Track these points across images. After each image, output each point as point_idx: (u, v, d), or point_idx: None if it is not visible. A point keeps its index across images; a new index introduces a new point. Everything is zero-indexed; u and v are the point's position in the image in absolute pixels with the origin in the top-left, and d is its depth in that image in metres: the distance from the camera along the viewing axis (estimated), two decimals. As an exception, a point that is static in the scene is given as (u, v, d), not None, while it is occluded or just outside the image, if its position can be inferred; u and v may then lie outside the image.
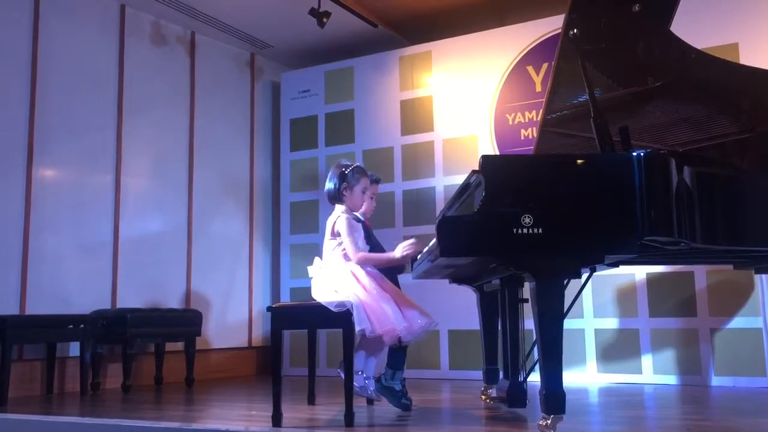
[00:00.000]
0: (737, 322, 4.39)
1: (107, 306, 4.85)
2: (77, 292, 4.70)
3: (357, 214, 3.43)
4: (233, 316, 5.83)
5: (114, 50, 5.15)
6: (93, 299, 4.76)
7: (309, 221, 5.95)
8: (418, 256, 4.05)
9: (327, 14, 5.19)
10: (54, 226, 4.64)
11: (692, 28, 3.67)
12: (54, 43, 4.76)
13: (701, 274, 4.51)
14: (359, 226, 3.30)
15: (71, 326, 4.41)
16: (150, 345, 4.99)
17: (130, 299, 4.96)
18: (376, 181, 3.81)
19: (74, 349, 4.54)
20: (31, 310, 4.41)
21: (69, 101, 4.81)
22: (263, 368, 5.90)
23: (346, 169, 3.33)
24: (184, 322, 5.01)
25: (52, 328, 4.33)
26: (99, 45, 5.06)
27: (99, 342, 4.54)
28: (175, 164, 5.51)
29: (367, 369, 3.41)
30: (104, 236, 4.94)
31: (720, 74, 3.29)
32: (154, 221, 5.30)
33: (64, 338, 4.46)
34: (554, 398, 2.58)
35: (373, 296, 3.12)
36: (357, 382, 3.26)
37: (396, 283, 3.62)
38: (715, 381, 4.39)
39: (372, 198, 3.66)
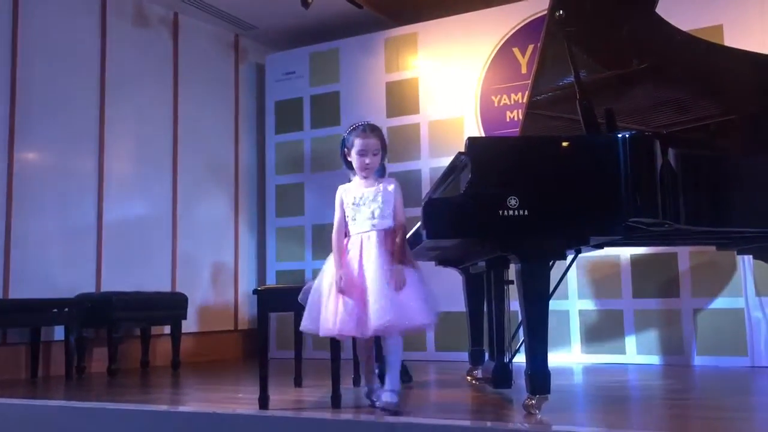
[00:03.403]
0: (719, 303, 4.44)
1: (92, 289, 4.82)
2: (61, 275, 4.67)
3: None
4: (219, 299, 5.82)
5: (96, 32, 5.08)
6: (77, 283, 4.73)
7: (295, 204, 5.93)
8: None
9: (312, -5, 5.14)
10: (37, 209, 4.60)
11: (677, 10, 3.68)
12: (35, 24, 4.69)
13: (684, 255, 4.55)
14: (346, 199, 2.96)
15: (56, 310, 4.38)
16: (135, 328, 4.97)
17: (115, 283, 4.93)
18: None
19: (59, 332, 4.52)
20: (14, 294, 4.38)
21: (51, 84, 4.75)
22: (249, 351, 5.90)
23: (345, 133, 3.02)
24: (170, 306, 5.00)
25: (37, 312, 4.30)
26: (80, 26, 4.99)
27: (84, 326, 4.51)
28: (158, 147, 5.46)
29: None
30: (88, 219, 4.90)
31: (705, 56, 3.30)
32: (139, 204, 5.26)
33: (49, 322, 4.43)
34: (539, 379, 2.60)
35: (329, 283, 2.85)
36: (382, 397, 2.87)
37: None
38: (698, 361, 4.44)
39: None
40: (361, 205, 2.90)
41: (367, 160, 2.92)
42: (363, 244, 2.85)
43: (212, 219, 5.84)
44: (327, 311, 2.79)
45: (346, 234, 2.94)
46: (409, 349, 5.17)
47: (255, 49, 6.39)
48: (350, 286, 2.79)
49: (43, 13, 4.75)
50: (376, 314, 2.69)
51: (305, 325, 2.87)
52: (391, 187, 2.93)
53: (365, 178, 2.95)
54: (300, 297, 2.94)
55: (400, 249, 2.84)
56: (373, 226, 2.86)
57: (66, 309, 4.41)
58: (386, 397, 2.79)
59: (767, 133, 3.43)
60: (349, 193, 2.95)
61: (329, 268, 2.88)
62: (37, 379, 4.35)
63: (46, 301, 4.37)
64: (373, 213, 2.87)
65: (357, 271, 2.81)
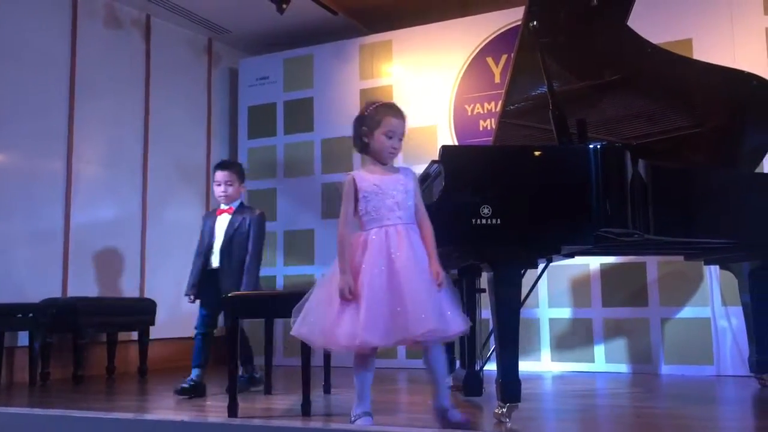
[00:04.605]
0: (687, 312, 4.50)
1: (58, 295, 4.73)
2: (27, 280, 4.57)
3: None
4: (188, 305, 5.70)
5: (66, 33, 5.00)
6: (43, 288, 4.64)
7: (267, 210, 5.84)
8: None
9: (286, 0, 5.13)
10: (3, 212, 4.50)
11: (647, 24, 3.73)
12: (3, 23, 4.60)
13: (653, 264, 4.61)
14: (364, 186, 2.56)
15: (20, 315, 4.29)
16: (102, 334, 4.89)
17: (81, 288, 4.84)
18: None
19: (23, 338, 4.42)
20: (-23, 298, 4.29)
21: (19, 85, 4.66)
22: (219, 358, 5.82)
23: (365, 110, 2.59)
24: (138, 311, 4.93)
25: (0, 317, 4.20)
26: (50, 27, 4.91)
27: (49, 331, 4.43)
28: (129, 150, 5.39)
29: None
30: (55, 223, 4.81)
31: (675, 69, 3.36)
32: (107, 208, 5.18)
33: (13, 327, 4.34)
34: (510, 387, 2.61)
35: (333, 285, 2.48)
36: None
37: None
38: (665, 369, 4.49)
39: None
40: (382, 194, 2.50)
41: (396, 144, 2.55)
42: (390, 239, 2.45)
43: (183, 224, 5.76)
44: (341, 321, 2.41)
45: (361, 229, 2.54)
46: (380, 356, 5.15)
47: (228, 53, 6.35)
48: (375, 288, 2.39)
49: (12, 12, 4.67)
50: (419, 321, 2.33)
51: (301, 333, 2.52)
52: (411, 177, 2.58)
53: (384, 164, 2.58)
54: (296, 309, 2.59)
55: (434, 247, 2.50)
56: (399, 218, 2.49)
57: (31, 314, 4.32)
58: (455, 416, 2.49)
59: (734, 146, 3.50)
60: (366, 181, 2.53)
61: (337, 272, 2.49)
62: (-1, 386, 4.26)
63: (10, 306, 4.28)
64: (398, 204, 2.50)
65: (385, 270, 2.41)
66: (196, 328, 3.89)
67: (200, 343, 3.85)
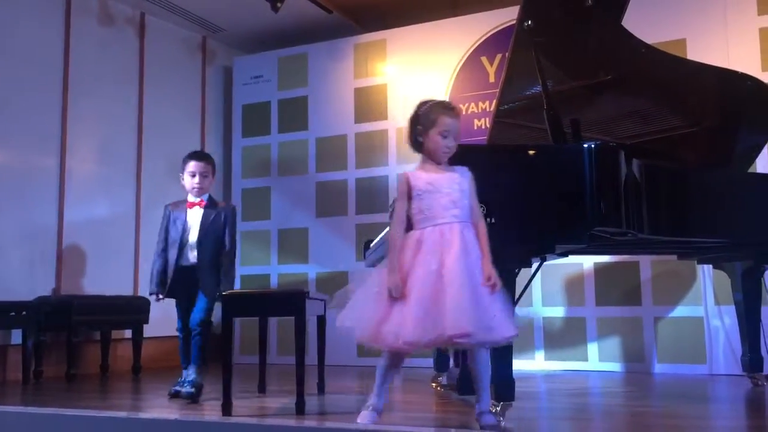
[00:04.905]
0: (680, 311, 4.52)
1: (51, 293, 4.72)
2: (20, 278, 4.56)
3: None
4: (182, 304, 5.73)
5: (60, 30, 4.99)
6: (36, 285, 4.63)
7: (261, 208, 5.88)
8: (371, 245, 4.04)
9: (281, -2, 5.12)
10: (-5, 210, 4.50)
11: (641, 23, 3.74)
12: (-4, 20, 4.59)
13: (646, 264, 4.62)
14: (418, 185, 2.52)
15: (13, 313, 4.27)
16: (95, 333, 4.88)
17: (75, 286, 4.83)
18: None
19: (16, 336, 4.41)
20: (-30, 296, 4.27)
21: (12, 82, 4.64)
22: (213, 356, 5.82)
23: (420, 109, 2.59)
24: (132, 310, 4.92)
25: (-7, 316, 4.20)
26: (44, 25, 4.89)
27: (42, 329, 4.42)
28: (122, 148, 5.38)
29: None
30: (48, 221, 4.80)
31: (669, 69, 3.36)
32: (101, 206, 5.17)
33: (6, 325, 4.32)
34: (504, 386, 2.62)
35: (383, 282, 2.43)
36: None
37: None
38: (658, 368, 4.51)
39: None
40: (436, 193, 2.47)
41: (450, 144, 2.51)
42: (444, 237, 2.41)
43: (176, 222, 5.75)
44: (388, 320, 2.36)
45: (411, 228, 2.50)
46: (374, 355, 5.16)
47: (223, 51, 6.34)
48: (426, 288, 2.35)
49: (5, 9, 4.65)
50: (455, 323, 2.29)
51: (346, 326, 2.45)
52: (467, 176, 2.52)
53: (439, 164, 2.54)
54: (334, 301, 2.58)
55: (488, 248, 2.46)
56: (454, 216, 2.44)
57: (24, 312, 4.31)
58: (484, 420, 2.48)
59: (728, 146, 3.51)
60: (420, 179, 2.50)
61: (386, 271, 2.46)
62: (-8, 384, 4.24)
63: (3, 303, 4.26)
64: (453, 202, 2.45)
65: (435, 270, 2.37)
66: (178, 330, 3.76)
67: (184, 345, 3.75)
